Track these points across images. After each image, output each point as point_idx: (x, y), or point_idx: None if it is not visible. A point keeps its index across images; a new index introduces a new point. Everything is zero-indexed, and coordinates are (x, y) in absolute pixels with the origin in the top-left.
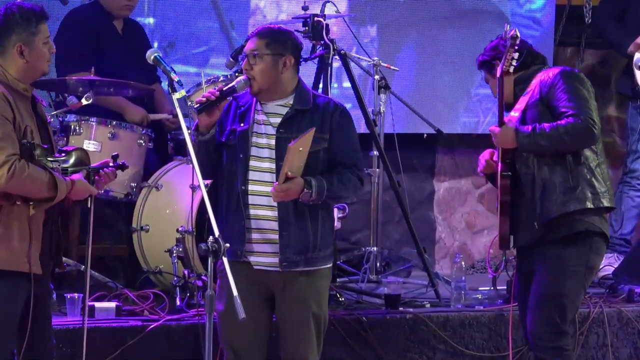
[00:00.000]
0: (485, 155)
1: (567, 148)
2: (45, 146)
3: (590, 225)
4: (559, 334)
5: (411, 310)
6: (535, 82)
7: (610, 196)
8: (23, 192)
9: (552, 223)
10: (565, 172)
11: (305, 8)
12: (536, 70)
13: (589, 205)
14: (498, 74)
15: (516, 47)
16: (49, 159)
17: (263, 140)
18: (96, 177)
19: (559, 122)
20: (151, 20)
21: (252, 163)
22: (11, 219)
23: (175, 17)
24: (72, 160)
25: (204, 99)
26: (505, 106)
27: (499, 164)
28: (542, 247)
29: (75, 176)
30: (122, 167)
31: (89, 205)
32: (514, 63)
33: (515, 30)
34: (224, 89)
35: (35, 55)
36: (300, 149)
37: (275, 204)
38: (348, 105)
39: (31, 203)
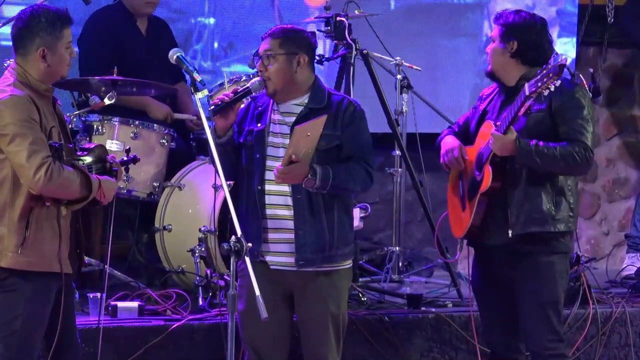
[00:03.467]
0: (454, 152)
1: (559, 172)
2: (70, 145)
3: (566, 247)
4: (560, 341)
5: (433, 310)
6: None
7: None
8: (58, 194)
9: (533, 237)
10: (553, 188)
11: (327, 8)
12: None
13: (567, 228)
14: (528, 92)
15: (558, 78)
16: (73, 158)
17: (278, 140)
18: (114, 169)
19: (560, 144)
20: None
21: (268, 163)
22: (42, 220)
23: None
24: (93, 158)
25: (219, 101)
26: (499, 81)
27: (489, 168)
28: (531, 256)
29: (100, 177)
30: (134, 160)
31: (111, 199)
32: (551, 88)
33: (567, 59)
34: (239, 90)
35: (57, 60)
36: (308, 134)
37: (291, 203)
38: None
39: (64, 203)
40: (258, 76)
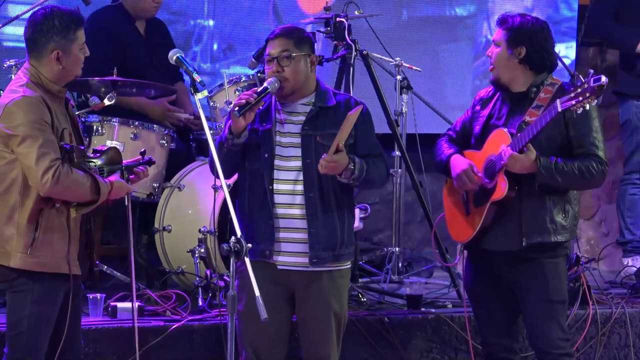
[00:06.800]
0: (468, 173)
1: (576, 188)
2: (82, 147)
3: (567, 251)
4: (567, 340)
5: (433, 310)
6: (549, 97)
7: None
8: (66, 196)
9: (541, 243)
10: (563, 198)
11: (327, 9)
12: (547, 78)
13: (572, 237)
14: (560, 109)
15: (596, 98)
16: (85, 160)
17: (287, 139)
18: (131, 177)
19: (577, 160)
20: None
21: (277, 162)
22: (51, 222)
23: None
24: (105, 160)
25: (243, 101)
26: (505, 89)
27: (504, 177)
28: (536, 260)
29: (112, 177)
30: (150, 162)
31: (126, 203)
32: (586, 107)
33: (606, 81)
34: (258, 90)
35: (72, 61)
36: (353, 123)
37: (302, 202)
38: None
39: (73, 206)
40: (258, 77)
